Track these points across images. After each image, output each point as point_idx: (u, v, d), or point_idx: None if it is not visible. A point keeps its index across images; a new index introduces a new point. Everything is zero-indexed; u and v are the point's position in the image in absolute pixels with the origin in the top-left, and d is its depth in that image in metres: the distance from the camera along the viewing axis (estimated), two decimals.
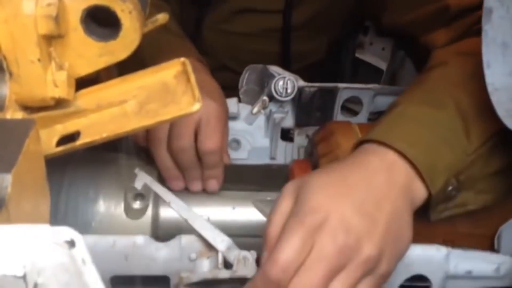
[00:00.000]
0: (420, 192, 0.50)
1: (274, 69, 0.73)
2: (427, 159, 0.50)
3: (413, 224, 0.49)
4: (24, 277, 0.22)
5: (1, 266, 0.22)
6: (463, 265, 0.54)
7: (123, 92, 0.46)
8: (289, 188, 0.48)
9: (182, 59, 0.46)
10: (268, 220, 0.48)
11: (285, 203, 0.48)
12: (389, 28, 0.80)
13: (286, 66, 0.87)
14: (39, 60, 0.39)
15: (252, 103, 0.74)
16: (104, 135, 0.44)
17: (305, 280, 0.43)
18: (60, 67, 0.41)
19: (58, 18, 0.39)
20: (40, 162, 0.36)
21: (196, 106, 0.44)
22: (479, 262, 0.54)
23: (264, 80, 0.75)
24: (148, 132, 0.61)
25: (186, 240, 0.52)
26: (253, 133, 0.75)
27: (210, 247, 0.52)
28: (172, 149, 0.59)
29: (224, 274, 0.51)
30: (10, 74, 0.40)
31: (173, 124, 0.59)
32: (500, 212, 0.58)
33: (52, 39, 0.40)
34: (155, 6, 0.47)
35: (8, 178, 0.29)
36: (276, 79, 0.71)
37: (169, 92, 0.45)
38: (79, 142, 0.44)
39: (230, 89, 0.77)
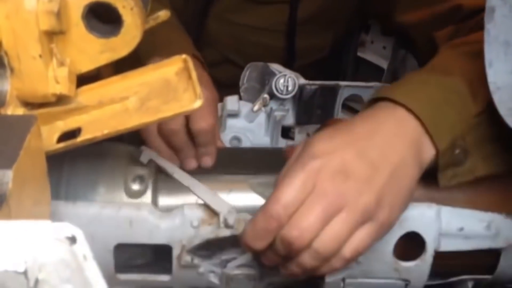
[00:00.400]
0: (428, 149, 0.51)
1: (275, 66, 0.73)
2: (433, 115, 0.51)
3: None
4: (25, 273, 0.22)
5: (2, 261, 0.22)
6: (455, 222, 0.54)
7: (125, 88, 0.46)
8: (302, 142, 0.51)
9: (184, 56, 0.46)
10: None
11: (296, 153, 0.51)
12: (397, 26, 0.80)
13: (290, 62, 0.87)
14: (40, 56, 0.39)
15: (253, 100, 0.74)
16: (105, 131, 0.44)
17: (303, 216, 0.46)
18: (61, 63, 0.41)
19: (59, 14, 0.38)
20: (41, 158, 0.36)
21: (198, 103, 0.44)
22: (470, 219, 0.55)
23: (265, 78, 0.74)
24: None
25: (188, 208, 0.54)
26: (253, 131, 0.75)
27: (211, 214, 0.54)
28: (163, 133, 0.60)
29: (225, 232, 0.53)
30: (12, 70, 0.40)
31: None
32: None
33: (53, 35, 0.40)
34: (156, 0, 0.47)
35: (9, 174, 0.29)
36: (277, 77, 0.71)
37: (170, 89, 0.45)
38: (80, 138, 0.44)
39: (231, 85, 0.76)
